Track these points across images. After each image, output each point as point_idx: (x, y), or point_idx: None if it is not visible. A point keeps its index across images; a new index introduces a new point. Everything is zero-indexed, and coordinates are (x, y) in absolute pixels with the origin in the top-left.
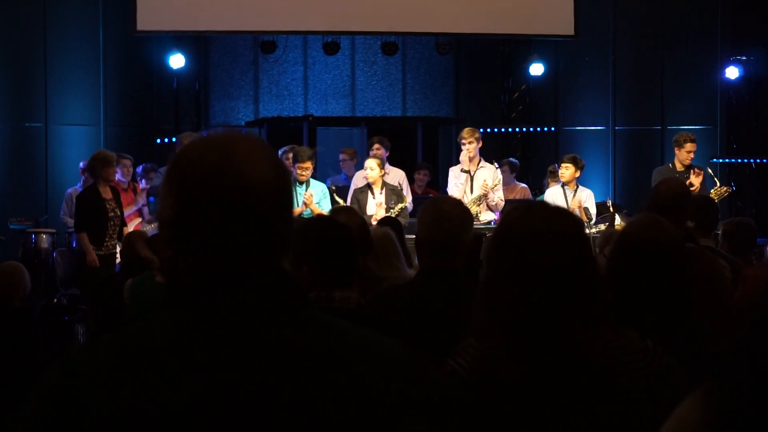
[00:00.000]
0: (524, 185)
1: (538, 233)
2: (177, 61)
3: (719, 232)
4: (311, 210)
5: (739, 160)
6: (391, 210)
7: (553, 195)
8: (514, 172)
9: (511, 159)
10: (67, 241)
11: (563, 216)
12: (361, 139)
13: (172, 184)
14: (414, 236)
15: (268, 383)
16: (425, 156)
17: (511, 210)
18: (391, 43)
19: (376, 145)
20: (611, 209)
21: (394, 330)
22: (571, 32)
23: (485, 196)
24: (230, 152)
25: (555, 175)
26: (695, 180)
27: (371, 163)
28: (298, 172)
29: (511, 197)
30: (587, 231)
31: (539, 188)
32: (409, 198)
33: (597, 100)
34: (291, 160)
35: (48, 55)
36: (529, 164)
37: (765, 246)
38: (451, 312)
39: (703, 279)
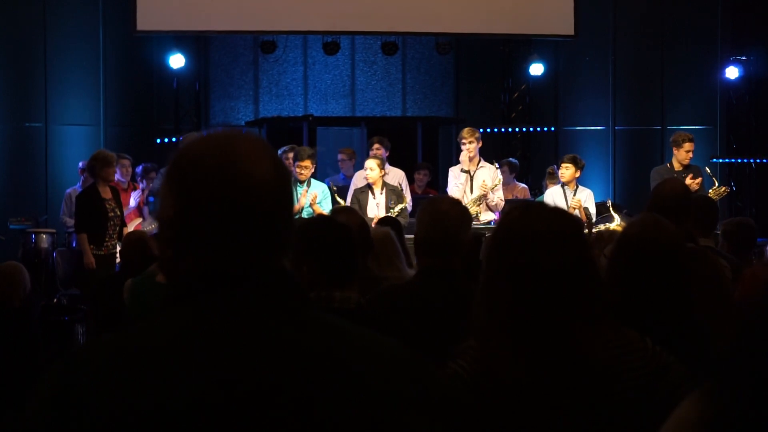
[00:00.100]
0: (524, 185)
1: (538, 233)
2: (177, 61)
3: (719, 232)
4: (312, 210)
5: (739, 160)
6: (391, 210)
7: (553, 195)
8: (513, 173)
9: (510, 159)
10: (67, 241)
11: (562, 216)
12: (361, 139)
13: (171, 183)
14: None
15: (268, 383)
16: (425, 156)
17: (511, 210)
18: (391, 43)
19: (376, 145)
20: (611, 209)
21: (394, 330)
22: (571, 32)
23: (485, 196)
24: (230, 151)
25: (553, 177)
26: (694, 180)
27: (371, 164)
28: (298, 170)
29: (510, 197)
30: (587, 231)
31: (539, 188)
32: (408, 198)
33: (597, 100)
34: (291, 160)
35: (48, 55)
36: (529, 164)
37: (765, 246)
38: (451, 312)
39: (703, 279)
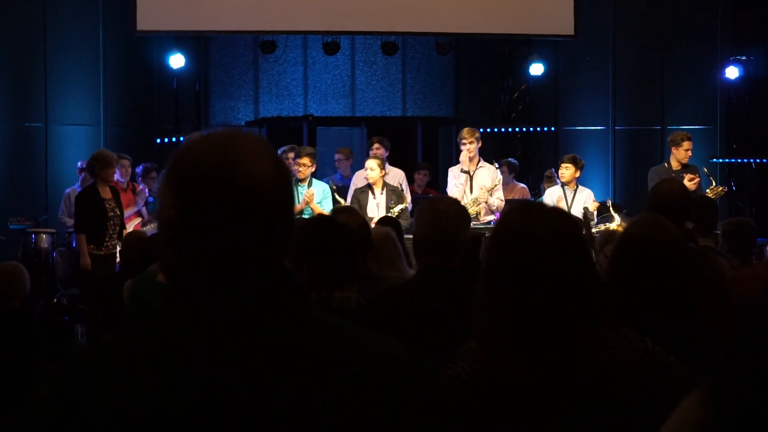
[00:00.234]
0: (523, 185)
1: (537, 234)
2: (177, 61)
3: (719, 232)
4: (312, 209)
5: (739, 160)
6: (392, 210)
7: (553, 195)
8: (513, 173)
9: (510, 159)
10: (67, 241)
11: (562, 216)
12: (361, 139)
13: (172, 183)
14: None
15: (268, 383)
16: (425, 156)
17: (511, 210)
18: (391, 43)
19: (376, 145)
20: (611, 209)
21: (394, 330)
22: (571, 32)
23: (485, 201)
24: (230, 151)
25: (551, 181)
26: (692, 180)
27: (372, 164)
28: (296, 168)
29: (510, 197)
30: (587, 231)
31: (538, 191)
32: (408, 198)
33: (597, 100)
34: (291, 160)
35: (48, 55)
36: (529, 164)
37: (765, 246)
38: (450, 312)
39: (703, 279)
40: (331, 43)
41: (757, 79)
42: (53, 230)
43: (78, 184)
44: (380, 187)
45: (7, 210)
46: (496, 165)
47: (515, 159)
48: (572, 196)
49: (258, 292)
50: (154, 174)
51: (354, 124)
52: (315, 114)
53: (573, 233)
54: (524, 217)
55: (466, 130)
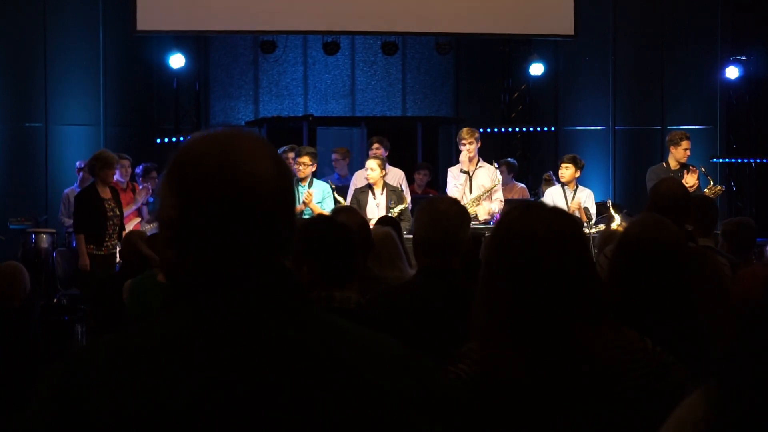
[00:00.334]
0: (522, 185)
1: (538, 233)
2: (177, 61)
3: (719, 232)
4: (311, 209)
5: (739, 160)
6: (392, 210)
7: (553, 195)
8: (512, 172)
9: (509, 159)
10: (67, 241)
11: (562, 216)
12: (361, 139)
13: (172, 183)
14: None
15: (269, 383)
16: (425, 156)
17: (511, 210)
18: (391, 43)
19: (376, 145)
20: (611, 209)
21: (394, 330)
22: (571, 32)
23: (486, 198)
24: (231, 151)
25: (549, 183)
26: (690, 179)
27: (372, 164)
28: (296, 167)
29: (509, 197)
30: (587, 231)
31: (536, 194)
32: (408, 198)
33: (597, 100)
34: (291, 160)
35: (48, 55)
36: (529, 164)
37: (765, 246)
38: (450, 312)
39: (703, 279)
40: (331, 43)
41: (757, 79)
42: (53, 230)
43: (77, 184)
44: (380, 188)
45: (7, 210)
46: (496, 165)
47: (515, 159)
48: (572, 196)
49: (258, 292)
50: (154, 174)
51: (354, 124)
52: (315, 114)
53: (573, 233)
54: (524, 217)
55: (465, 130)
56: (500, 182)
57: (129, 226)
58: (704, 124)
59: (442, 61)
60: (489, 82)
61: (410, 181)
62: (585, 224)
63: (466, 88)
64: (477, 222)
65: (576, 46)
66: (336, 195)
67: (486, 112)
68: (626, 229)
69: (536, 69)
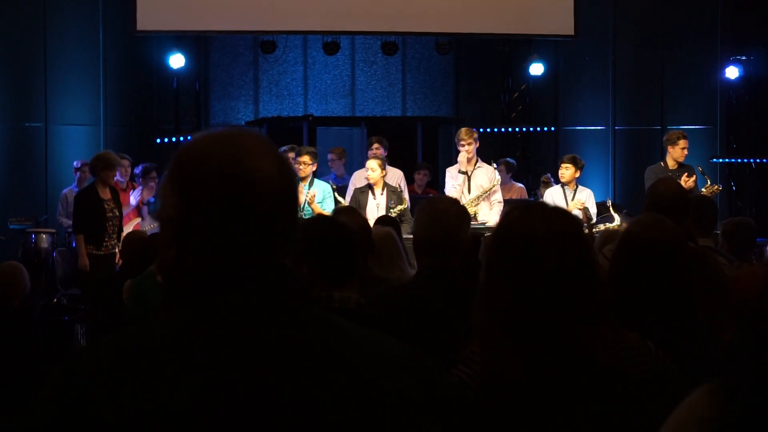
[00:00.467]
0: (521, 185)
1: (538, 233)
2: (177, 61)
3: (719, 232)
4: (312, 210)
5: (739, 160)
6: (392, 211)
7: (553, 195)
8: (510, 172)
9: (508, 159)
10: (66, 241)
11: (562, 216)
12: (361, 139)
13: (173, 182)
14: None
15: (269, 383)
16: (425, 156)
17: (511, 210)
18: (391, 43)
19: (375, 145)
20: (611, 209)
21: (394, 330)
22: (571, 32)
23: (485, 198)
24: (233, 149)
25: (547, 185)
26: (688, 179)
27: (373, 164)
28: (297, 167)
29: (507, 197)
30: (587, 231)
31: (535, 194)
32: (407, 199)
33: (597, 100)
34: (291, 159)
35: (48, 56)
36: (529, 164)
37: (765, 246)
38: (450, 312)
39: (703, 279)
40: (331, 43)
41: (757, 79)
42: (53, 230)
43: (75, 184)
44: (381, 188)
45: (7, 210)
46: (494, 165)
47: (515, 159)
48: (572, 196)
49: (259, 292)
50: (153, 174)
51: (354, 124)
52: (315, 114)
53: (573, 233)
54: (524, 217)
55: (463, 130)
56: (499, 183)
57: (129, 226)
58: (704, 124)
59: (442, 61)
60: (489, 82)
61: (410, 181)
62: (585, 224)
63: (466, 88)
64: (477, 222)
65: (576, 46)
66: (336, 195)
67: (486, 112)
68: (626, 229)
69: (536, 69)
